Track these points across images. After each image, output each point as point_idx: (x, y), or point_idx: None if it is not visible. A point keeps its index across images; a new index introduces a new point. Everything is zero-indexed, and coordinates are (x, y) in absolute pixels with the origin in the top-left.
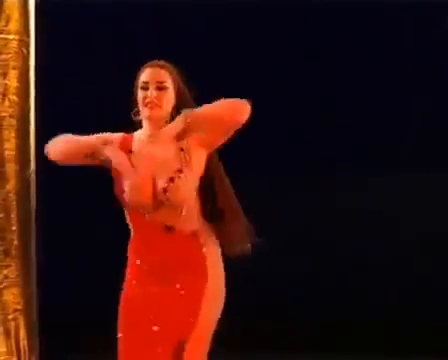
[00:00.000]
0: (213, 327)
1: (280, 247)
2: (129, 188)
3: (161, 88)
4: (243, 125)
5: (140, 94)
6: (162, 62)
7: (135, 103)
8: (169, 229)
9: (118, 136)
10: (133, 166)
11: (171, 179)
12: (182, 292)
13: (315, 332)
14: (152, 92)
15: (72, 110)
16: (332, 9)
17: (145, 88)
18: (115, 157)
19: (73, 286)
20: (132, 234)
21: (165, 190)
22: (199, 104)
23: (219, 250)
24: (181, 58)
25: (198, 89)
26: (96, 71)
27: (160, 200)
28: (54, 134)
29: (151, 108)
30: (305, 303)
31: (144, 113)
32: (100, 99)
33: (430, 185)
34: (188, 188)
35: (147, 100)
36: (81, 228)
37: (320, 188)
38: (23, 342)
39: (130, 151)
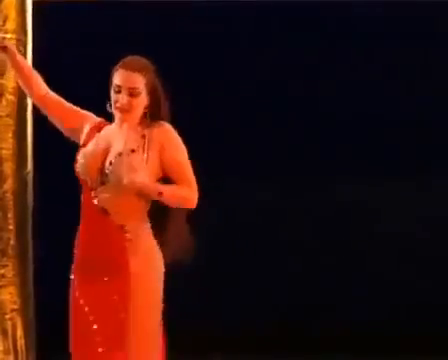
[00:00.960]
0: (154, 319)
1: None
2: (81, 155)
3: (133, 94)
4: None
5: (112, 96)
6: (136, 63)
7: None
8: (104, 212)
9: (98, 118)
10: (96, 140)
11: (119, 154)
12: (111, 285)
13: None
14: (124, 97)
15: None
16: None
17: (117, 92)
18: (85, 132)
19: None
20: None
21: (111, 163)
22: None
23: (152, 248)
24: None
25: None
26: (95, 70)
27: (105, 173)
28: (51, 134)
29: (121, 112)
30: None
31: (115, 114)
32: (98, 99)
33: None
34: (134, 168)
35: (118, 104)
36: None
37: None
38: (20, 341)
39: (99, 130)
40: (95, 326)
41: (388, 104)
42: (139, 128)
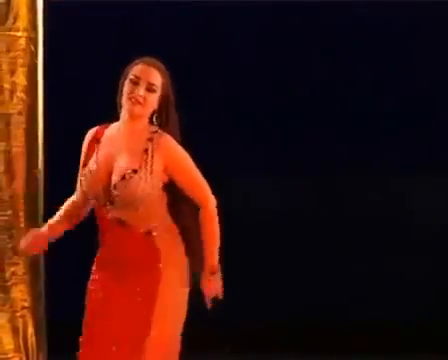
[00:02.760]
0: (175, 329)
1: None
2: (84, 177)
3: (150, 90)
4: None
5: (128, 87)
6: (157, 62)
7: (120, 94)
8: (122, 223)
9: (93, 129)
10: (97, 155)
11: (123, 177)
12: (138, 289)
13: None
14: (141, 90)
15: (80, 108)
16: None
17: (135, 83)
18: (84, 150)
19: (81, 286)
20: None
21: (114, 186)
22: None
23: (179, 253)
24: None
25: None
26: (105, 68)
27: (109, 195)
28: (62, 132)
29: (134, 104)
30: None
31: (126, 106)
32: (109, 97)
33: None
34: (141, 190)
35: (132, 95)
36: (89, 226)
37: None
38: (31, 339)
39: (98, 141)
40: (113, 324)
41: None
42: (143, 135)
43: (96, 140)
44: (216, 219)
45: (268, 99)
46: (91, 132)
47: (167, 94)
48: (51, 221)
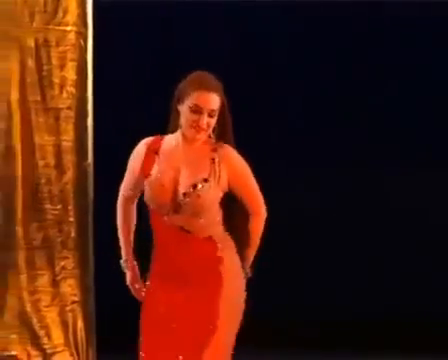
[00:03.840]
0: (233, 333)
1: None
2: (148, 187)
3: (212, 116)
4: None
5: (189, 116)
6: (213, 83)
7: (175, 116)
8: (184, 230)
9: (148, 140)
10: (160, 166)
11: (194, 186)
12: (202, 294)
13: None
14: (204, 119)
15: (128, 103)
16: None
17: (197, 112)
18: (141, 159)
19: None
20: (154, 237)
21: (185, 195)
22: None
23: (237, 257)
24: None
25: None
26: (152, 64)
27: (179, 203)
28: (111, 126)
29: (198, 132)
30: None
31: (189, 134)
32: (157, 93)
33: None
34: (210, 199)
35: (196, 124)
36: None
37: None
38: (80, 333)
39: (156, 153)
40: (179, 334)
41: None
42: (205, 147)
43: (154, 151)
44: (262, 227)
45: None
46: (146, 143)
47: (225, 109)
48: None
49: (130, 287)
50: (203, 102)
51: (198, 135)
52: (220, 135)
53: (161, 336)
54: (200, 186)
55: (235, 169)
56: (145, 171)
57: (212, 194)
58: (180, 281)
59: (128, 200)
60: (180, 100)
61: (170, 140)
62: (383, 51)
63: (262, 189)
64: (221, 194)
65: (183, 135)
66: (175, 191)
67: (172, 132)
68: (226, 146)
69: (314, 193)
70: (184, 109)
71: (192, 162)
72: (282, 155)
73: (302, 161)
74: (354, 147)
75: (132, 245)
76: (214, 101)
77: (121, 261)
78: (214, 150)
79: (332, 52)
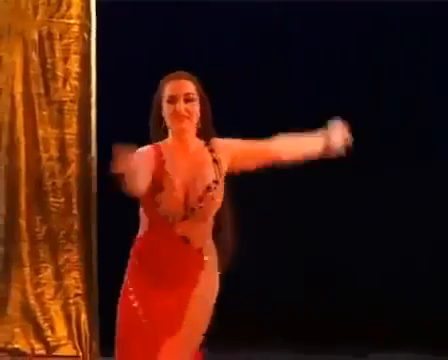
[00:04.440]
0: (199, 331)
1: None
2: (161, 200)
3: (188, 100)
4: None
5: (167, 108)
6: (185, 73)
7: (156, 118)
8: (185, 241)
9: (148, 149)
10: (168, 174)
11: (208, 188)
12: (174, 294)
13: None
14: (181, 105)
15: (133, 97)
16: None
17: (172, 102)
18: (149, 167)
19: None
20: (140, 234)
21: (200, 199)
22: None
23: (216, 260)
24: None
25: None
26: (159, 56)
27: (192, 209)
28: (115, 119)
29: (181, 121)
30: None
31: (175, 126)
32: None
33: None
34: (220, 199)
35: (175, 113)
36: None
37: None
38: (84, 326)
39: (164, 160)
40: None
41: None
42: (204, 150)
43: (159, 156)
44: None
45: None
46: (149, 150)
47: (204, 99)
48: None
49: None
50: (175, 89)
51: (183, 124)
52: (206, 133)
53: (135, 332)
54: (213, 188)
55: (231, 146)
56: (157, 177)
57: (221, 195)
58: (158, 281)
59: None
60: (160, 104)
61: (167, 147)
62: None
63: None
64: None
65: (174, 136)
66: (186, 196)
67: (155, 141)
68: (217, 139)
69: None
70: (164, 107)
71: (196, 166)
72: None
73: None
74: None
75: None
76: (186, 85)
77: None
78: (212, 151)
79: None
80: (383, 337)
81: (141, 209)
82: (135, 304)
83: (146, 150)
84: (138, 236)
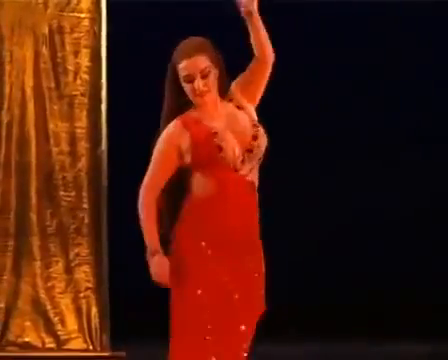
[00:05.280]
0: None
1: None
2: (224, 142)
3: (205, 75)
4: None
5: (187, 87)
6: (194, 46)
7: (177, 88)
8: (253, 189)
9: (177, 121)
10: (213, 124)
11: (255, 125)
12: (252, 263)
13: None
14: (199, 82)
15: (143, 90)
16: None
17: (190, 81)
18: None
19: (144, 269)
20: (201, 197)
21: (255, 137)
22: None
23: None
24: None
25: None
26: (169, 50)
27: (249, 150)
28: (126, 113)
29: (202, 96)
30: None
31: (198, 102)
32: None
33: None
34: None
35: (197, 92)
36: None
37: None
38: (94, 320)
39: (197, 122)
40: (239, 303)
41: None
42: (227, 104)
43: (195, 121)
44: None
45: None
46: (179, 121)
47: (218, 61)
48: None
49: (158, 269)
50: (190, 68)
51: (205, 98)
52: (223, 90)
53: (225, 307)
54: (258, 126)
55: (235, 85)
56: (202, 137)
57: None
58: (237, 246)
59: (157, 193)
60: (172, 77)
61: (197, 113)
62: None
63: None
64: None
65: (199, 108)
66: (242, 139)
67: (171, 109)
68: (231, 88)
69: None
70: (184, 85)
71: (232, 118)
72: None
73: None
74: None
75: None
76: (199, 61)
77: (149, 253)
78: (231, 100)
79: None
80: (399, 327)
81: (195, 176)
82: (225, 278)
83: (174, 128)
84: (196, 199)
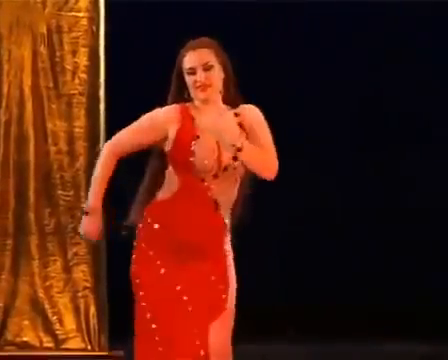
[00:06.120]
0: (233, 309)
1: None
2: (201, 148)
3: (208, 69)
4: None
5: (189, 79)
6: (202, 41)
7: (178, 88)
8: (216, 208)
9: (175, 107)
10: (199, 127)
11: (239, 149)
12: (207, 267)
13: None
14: (201, 75)
15: (142, 89)
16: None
17: (192, 73)
18: (176, 128)
19: None
20: (164, 196)
21: (235, 158)
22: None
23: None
24: None
25: None
26: (168, 49)
27: (224, 167)
28: (124, 112)
29: (203, 90)
30: None
31: (198, 96)
32: (170, 79)
33: None
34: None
35: (198, 84)
36: None
37: None
38: (93, 320)
39: (193, 119)
40: (189, 305)
41: None
42: (229, 113)
43: (191, 118)
44: (268, 173)
45: None
46: (178, 108)
47: (225, 63)
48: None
49: (88, 227)
50: (194, 60)
51: (205, 93)
52: (231, 99)
53: (176, 313)
54: (245, 145)
55: (255, 119)
56: (185, 135)
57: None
58: (189, 252)
59: (117, 155)
60: (182, 74)
61: (193, 108)
62: None
63: None
64: None
65: (200, 105)
66: (220, 151)
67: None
68: (244, 106)
69: None
70: (186, 79)
71: (225, 128)
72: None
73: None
74: None
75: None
76: (204, 54)
77: (85, 206)
78: (237, 115)
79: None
80: (399, 327)
81: (169, 169)
82: (178, 287)
83: (172, 111)
84: (160, 199)
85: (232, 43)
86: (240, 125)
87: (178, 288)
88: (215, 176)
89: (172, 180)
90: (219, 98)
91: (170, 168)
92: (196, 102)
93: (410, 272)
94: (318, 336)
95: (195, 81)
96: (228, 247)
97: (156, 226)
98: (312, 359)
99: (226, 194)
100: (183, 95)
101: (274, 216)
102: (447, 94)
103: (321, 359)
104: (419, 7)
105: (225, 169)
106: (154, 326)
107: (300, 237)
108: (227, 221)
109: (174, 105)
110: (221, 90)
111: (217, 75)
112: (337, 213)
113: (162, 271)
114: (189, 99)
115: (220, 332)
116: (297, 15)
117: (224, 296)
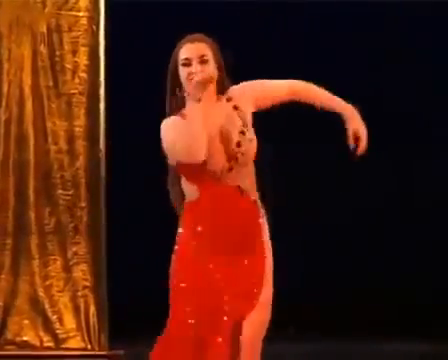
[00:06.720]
0: (270, 304)
1: None
2: (208, 151)
3: (204, 62)
4: None
5: (183, 71)
6: (199, 36)
7: (173, 84)
8: (242, 192)
9: (176, 118)
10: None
11: (242, 132)
12: (245, 261)
13: None
14: (196, 66)
15: (142, 88)
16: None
17: (188, 64)
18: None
19: (143, 268)
20: (191, 200)
21: (239, 144)
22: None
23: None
24: None
25: None
26: (168, 49)
27: (234, 158)
28: (124, 111)
29: (197, 82)
30: None
31: (192, 89)
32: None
33: None
34: (255, 142)
35: (192, 75)
36: (150, 204)
37: None
38: (93, 319)
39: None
40: (226, 297)
41: None
42: (222, 102)
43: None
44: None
45: None
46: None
47: (219, 60)
48: None
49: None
50: (190, 52)
51: (199, 85)
52: (222, 88)
53: (212, 302)
54: (246, 130)
55: (248, 90)
56: None
57: (255, 137)
58: (226, 244)
59: None
60: (176, 70)
61: (190, 111)
62: None
63: None
64: None
65: (192, 100)
66: (226, 146)
67: (172, 111)
68: (233, 87)
69: None
70: (180, 72)
71: (223, 117)
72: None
73: None
74: None
75: None
76: (200, 47)
77: None
78: (229, 99)
79: None
80: (398, 327)
81: (182, 181)
82: (217, 275)
83: (177, 118)
84: (189, 203)
85: (232, 43)
86: (235, 108)
87: (222, 284)
88: (230, 169)
89: (190, 187)
90: (212, 91)
91: (183, 179)
92: (188, 102)
93: (410, 272)
94: (318, 335)
95: (189, 73)
96: (265, 228)
97: (199, 229)
98: (312, 359)
99: (246, 178)
100: (179, 94)
101: (274, 216)
102: (447, 94)
103: (321, 359)
104: (419, 7)
105: (236, 159)
106: (192, 333)
107: (300, 237)
108: (254, 199)
109: (174, 118)
110: (214, 88)
111: (212, 69)
112: (336, 213)
113: (215, 276)
114: (180, 96)
115: (249, 327)
116: (297, 15)
117: (256, 290)
